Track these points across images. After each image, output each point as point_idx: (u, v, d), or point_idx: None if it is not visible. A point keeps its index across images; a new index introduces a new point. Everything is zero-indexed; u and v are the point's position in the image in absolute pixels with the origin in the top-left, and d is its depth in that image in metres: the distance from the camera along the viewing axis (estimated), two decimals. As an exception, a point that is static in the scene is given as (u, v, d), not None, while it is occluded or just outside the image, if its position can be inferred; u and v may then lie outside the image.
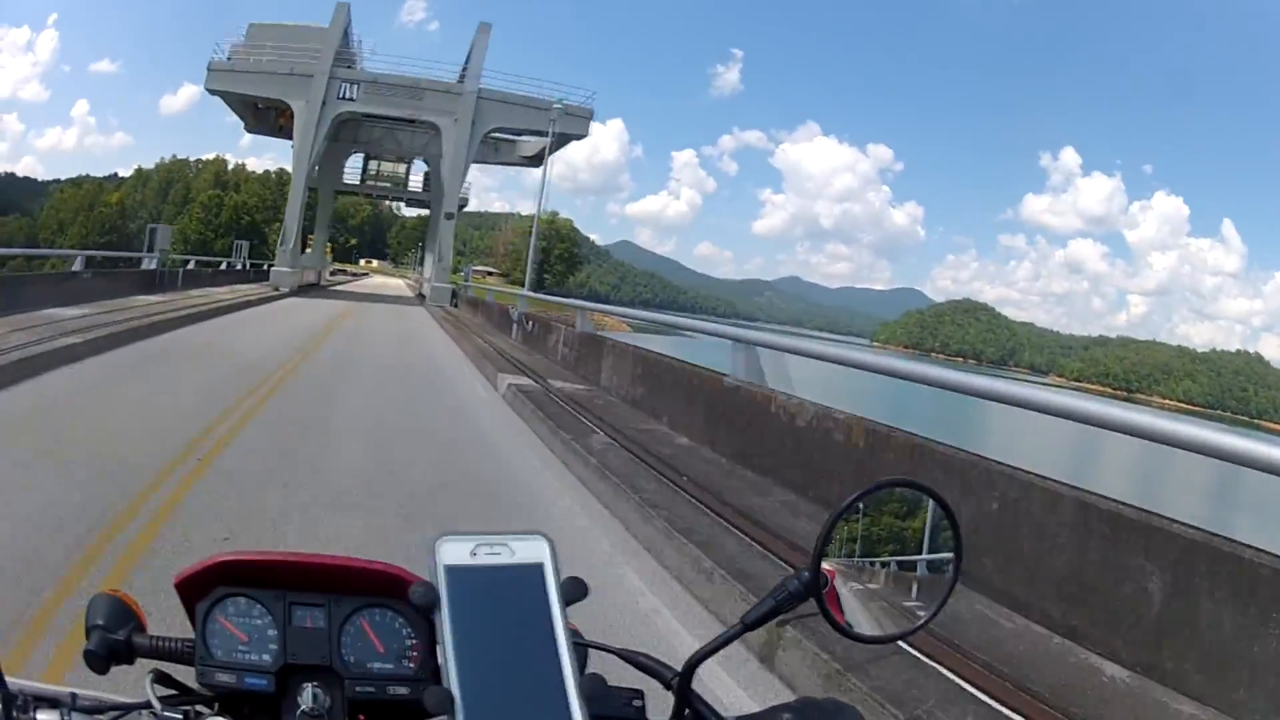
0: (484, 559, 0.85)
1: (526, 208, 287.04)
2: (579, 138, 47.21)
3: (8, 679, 1.00)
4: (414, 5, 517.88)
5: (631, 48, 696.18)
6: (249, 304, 28.66)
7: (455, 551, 0.84)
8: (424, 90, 44.10)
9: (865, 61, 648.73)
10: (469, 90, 43.84)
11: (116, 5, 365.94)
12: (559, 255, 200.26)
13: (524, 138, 52.75)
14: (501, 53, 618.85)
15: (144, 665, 1.17)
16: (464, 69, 45.74)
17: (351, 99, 43.75)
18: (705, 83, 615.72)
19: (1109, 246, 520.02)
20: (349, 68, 44.99)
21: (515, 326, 23.38)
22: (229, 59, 43.60)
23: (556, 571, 0.86)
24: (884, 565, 1.11)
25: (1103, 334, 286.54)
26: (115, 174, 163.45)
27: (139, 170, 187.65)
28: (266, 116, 50.66)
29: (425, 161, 58.09)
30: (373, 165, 61.96)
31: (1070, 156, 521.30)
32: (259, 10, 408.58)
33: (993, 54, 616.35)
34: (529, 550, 0.86)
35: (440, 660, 0.79)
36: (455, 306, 40.96)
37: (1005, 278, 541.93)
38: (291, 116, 43.22)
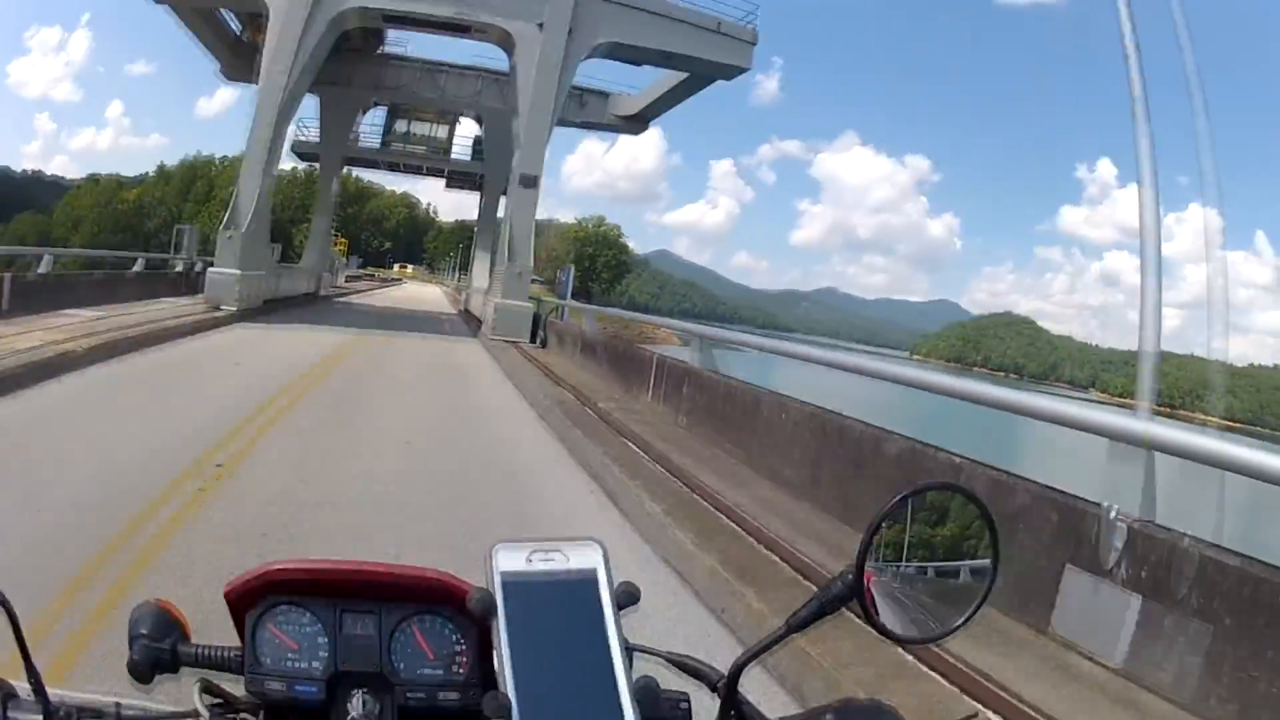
0: (539, 566, 0.85)
1: (564, 215, 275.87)
2: (733, 73, 27.82)
3: (49, 689, 1.00)
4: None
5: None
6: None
7: (511, 559, 0.85)
8: (486, -26, 24.81)
9: (904, 69, 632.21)
10: (564, -23, 24.61)
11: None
12: (606, 263, 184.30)
13: (622, 90, 34.64)
14: None
15: (187, 676, 1.14)
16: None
17: (361, -12, 24.11)
18: (745, 91, 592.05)
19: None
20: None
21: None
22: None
23: (610, 578, 0.87)
24: (920, 569, 1.08)
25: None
26: (147, 174, 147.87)
27: (161, 167, 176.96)
28: (247, 53, 31.42)
29: (478, 119, 40.34)
30: (400, 125, 43.10)
31: (1107, 168, 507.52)
32: None
33: (1031, 63, 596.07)
34: (583, 557, 0.87)
35: (497, 666, 0.80)
36: (543, 345, 23.31)
37: (1041, 290, 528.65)
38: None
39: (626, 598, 0.88)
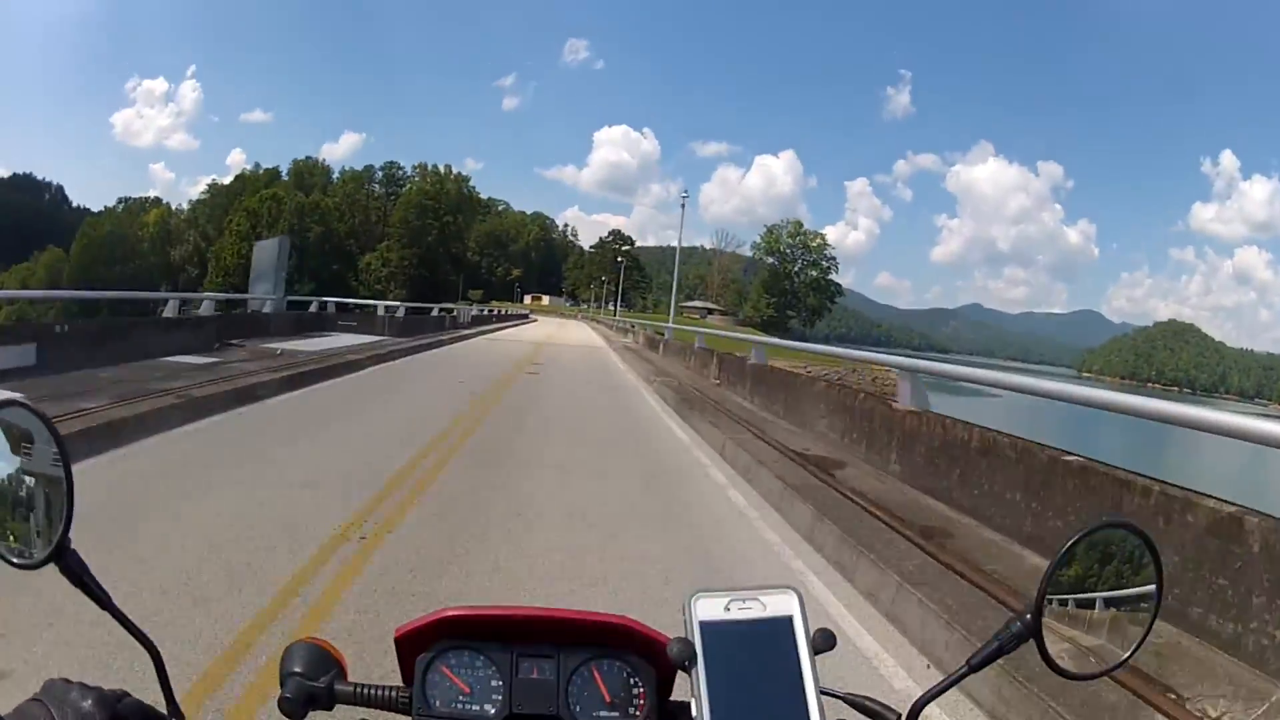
0: (737, 614, 0.86)
1: (707, 241, 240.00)
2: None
3: None
4: (576, 44, 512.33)
5: (799, 76, 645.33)
6: None
7: (709, 607, 0.86)
8: None
9: (1027, 74, 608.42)
10: None
11: (260, 58, 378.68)
12: (810, 284, 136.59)
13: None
14: (660, 88, 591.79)
15: (341, 714, 1.18)
16: None
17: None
18: (877, 107, 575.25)
19: (1273, 253, 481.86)
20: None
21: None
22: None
23: (806, 624, 0.87)
24: (1088, 603, 1.10)
25: (1273, 349, 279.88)
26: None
27: (213, 184, 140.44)
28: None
29: None
30: None
31: (1229, 160, 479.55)
32: (415, 59, 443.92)
33: (1148, 59, 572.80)
34: (779, 604, 0.88)
35: (695, 713, 0.80)
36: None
37: (1178, 293, 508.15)
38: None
39: (823, 642, 0.89)
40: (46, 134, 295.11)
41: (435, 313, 41.33)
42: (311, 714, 1.13)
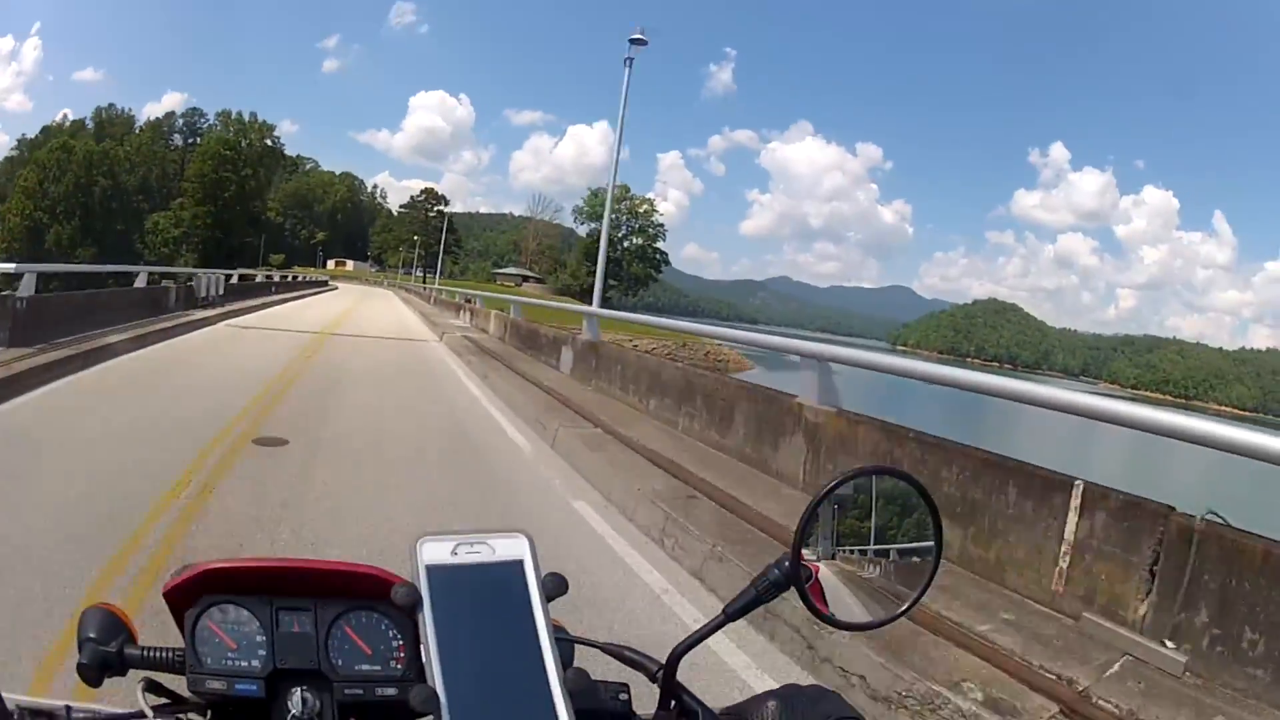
0: (464, 558, 0.84)
1: (516, 209, 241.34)
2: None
3: (2, 694, 1.02)
4: (404, 8, 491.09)
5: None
6: None
7: (436, 551, 0.84)
8: None
9: (858, 57, 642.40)
10: None
11: (99, 11, 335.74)
12: (634, 252, 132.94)
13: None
14: (482, 54, 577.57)
15: (136, 676, 1.16)
16: None
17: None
18: (698, 83, 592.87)
19: (1099, 241, 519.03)
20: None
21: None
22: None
23: (537, 568, 0.86)
24: (866, 553, 1.10)
25: (1094, 330, 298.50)
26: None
27: (21, 139, 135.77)
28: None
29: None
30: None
31: (1060, 152, 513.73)
32: (244, 19, 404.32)
33: (982, 49, 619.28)
34: (509, 548, 0.86)
35: (424, 659, 0.78)
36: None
37: (994, 274, 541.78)
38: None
39: (554, 587, 0.87)
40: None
41: (146, 281, 20.91)
42: (111, 680, 1.13)
